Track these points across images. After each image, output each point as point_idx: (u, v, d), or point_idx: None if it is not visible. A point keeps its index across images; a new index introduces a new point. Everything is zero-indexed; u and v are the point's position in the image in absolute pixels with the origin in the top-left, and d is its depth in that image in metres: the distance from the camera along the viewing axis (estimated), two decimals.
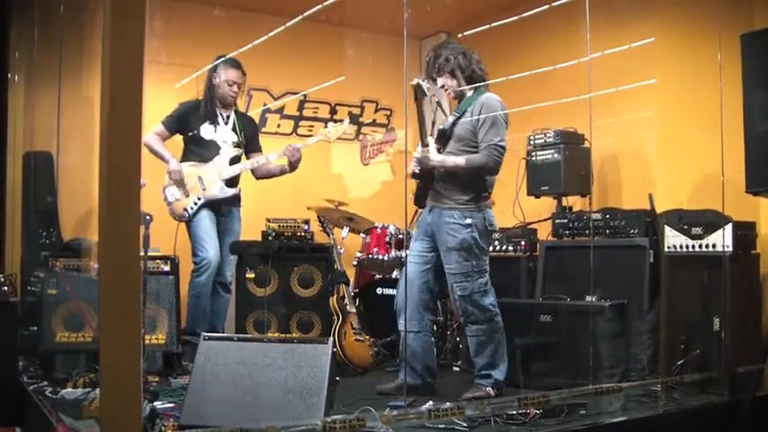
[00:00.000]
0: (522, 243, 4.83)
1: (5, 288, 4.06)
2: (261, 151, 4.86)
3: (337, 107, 6.55)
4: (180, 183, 4.58)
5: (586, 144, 4.85)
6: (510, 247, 4.88)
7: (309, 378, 2.98)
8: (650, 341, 4.04)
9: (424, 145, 3.76)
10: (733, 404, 3.55)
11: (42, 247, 4.64)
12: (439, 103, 3.95)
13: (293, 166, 4.72)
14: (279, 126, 6.32)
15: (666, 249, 3.99)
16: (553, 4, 5.19)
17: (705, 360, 3.75)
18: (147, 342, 4.05)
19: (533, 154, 4.98)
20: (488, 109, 3.71)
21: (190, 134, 4.67)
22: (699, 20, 4.57)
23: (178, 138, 4.75)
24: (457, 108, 3.86)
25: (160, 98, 5.16)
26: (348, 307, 4.71)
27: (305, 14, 5.68)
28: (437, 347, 4.28)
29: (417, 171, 3.83)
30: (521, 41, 5.75)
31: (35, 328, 4.00)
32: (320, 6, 5.42)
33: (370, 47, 6.06)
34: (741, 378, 3.61)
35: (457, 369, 4.59)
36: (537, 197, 5.04)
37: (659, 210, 4.34)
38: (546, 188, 4.91)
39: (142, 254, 3.41)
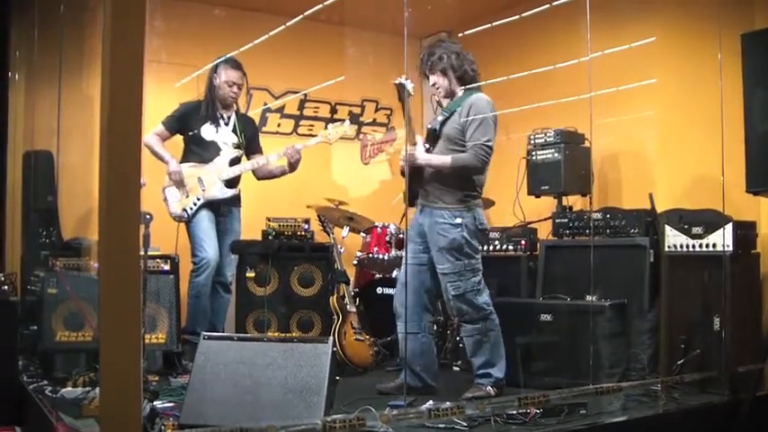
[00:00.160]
0: (523, 242, 4.83)
1: (5, 287, 4.06)
2: (261, 152, 4.86)
3: (338, 106, 6.55)
4: (180, 183, 4.58)
5: (587, 143, 4.85)
6: (510, 247, 4.88)
7: (309, 377, 2.97)
8: (650, 341, 4.04)
9: (412, 144, 3.78)
10: (733, 404, 3.55)
11: (42, 246, 4.65)
12: (440, 103, 3.96)
13: (293, 167, 4.73)
14: (279, 125, 6.32)
15: (667, 249, 3.99)
16: (553, 3, 5.19)
17: (705, 360, 3.75)
18: (147, 341, 4.04)
19: (534, 153, 4.98)
20: (477, 109, 3.72)
21: (190, 134, 4.67)
22: (699, 20, 4.57)
23: (178, 138, 4.75)
24: (446, 107, 3.87)
25: (160, 98, 5.16)
26: (348, 306, 4.71)
27: (305, 14, 5.68)
28: (437, 347, 4.28)
29: (406, 169, 3.86)
30: (521, 41, 5.75)
31: (35, 327, 4.00)
32: (321, 6, 5.42)
33: (370, 46, 6.06)
34: (741, 378, 3.61)
35: (457, 369, 4.58)
36: (537, 197, 5.04)
37: (659, 209, 4.34)
38: (546, 188, 4.91)
39: (142, 253, 3.41)
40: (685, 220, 3.97)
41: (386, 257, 5.12)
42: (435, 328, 4.43)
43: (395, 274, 5.13)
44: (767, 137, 3.66)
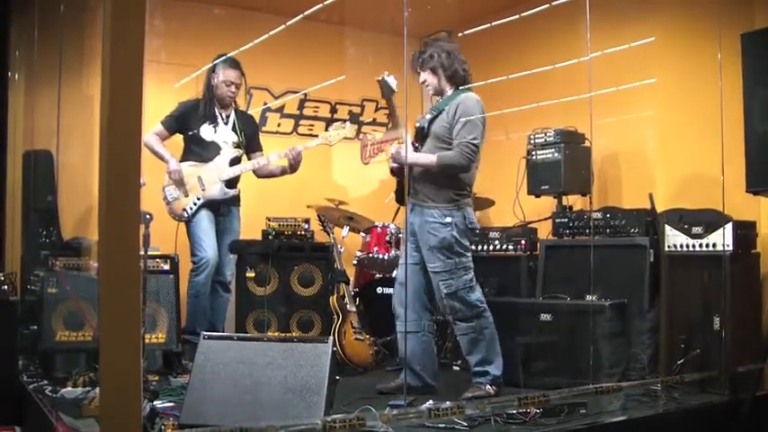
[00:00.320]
0: (523, 242, 4.84)
1: (5, 287, 4.06)
2: (261, 150, 4.86)
3: (338, 106, 6.55)
4: (179, 183, 4.58)
5: (587, 143, 4.85)
6: (510, 247, 4.89)
7: (309, 377, 2.97)
8: (650, 340, 4.04)
9: (390, 140, 3.79)
10: (733, 403, 3.55)
11: (42, 245, 4.64)
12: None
13: (293, 168, 4.72)
14: (279, 125, 6.32)
15: (667, 249, 3.99)
16: (553, 3, 5.19)
17: (705, 359, 3.75)
18: (146, 341, 4.04)
19: (534, 153, 4.98)
20: (465, 108, 3.73)
21: (190, 134, 4.67)
22: (699, 19, 4.57)
23: (178, 137, 4.75)
24: (435, 106, 3.88)
25: (160, 97, 5.15)
26: (348, 306, 4.71)
27: (305, 13, 5.68)
28: (437, 346, 4.28)
29: (394, 168, 3.89)
30: (521, 41, 5.75)
31: (35, 326, 4.00)
32: (321, 5, 5.41)
33: (370, 46, 6.06)
34: (741, 377, 3.61)
35: (457, 368, 4.58)
36: (537, 196, 5.04)
37: (659, 209, 4.34)
38: (546, 187, 4.91)
39: (142, 253, 3.41)
40: (685, 219, 3.97)
41: (386, 257, 5.12)
42: (435, 327, 4.43)
43: (395, 273, 5.12)
44: (767, 137, 3.66)
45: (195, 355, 3.18)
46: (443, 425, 2.99)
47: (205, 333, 3.25)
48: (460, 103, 3.74)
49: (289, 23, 5.78)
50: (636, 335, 4.05)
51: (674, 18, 4.76)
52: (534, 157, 4.97)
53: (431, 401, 3.00)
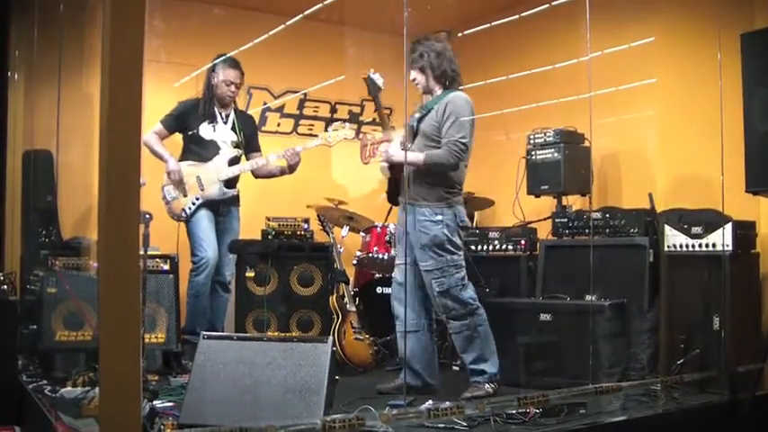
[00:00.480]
0: (523, 242, 4.83)
1: (5, 287, 4.06)
2: (260, 150, 4.86)
3: (337, 106, 6.55)
4: (178, 182, 4.57)
5: (586, 143, 4.85)
6: (510, 247, 4.88)
7: (309, 377, 2.97)
8: (650, 340, 4.04)
9: (389, 140, 3.80)
10: (733, 403, 3.55)
11: (42, 245, 4.64)
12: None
13: (292, 168, 4.72)
14: (279, 125, 6.32)
15: (666, 249, 3.99)
16: (553, 3, 5.19)
17: (705, 359, 3.75)
18: (146, 341, 4.04)
19: (533, 153, 4.98)
20: (454, 107, 3.74)
21: (189, 133, 4.67)
22: (699, 19, 4.57)
23: (178, 137, 4.75)
24: (424, 105, 3.89)
25: (160, 97, 5.15)
26: (348, 306, 4.71)
27: (305, 13, 5.68)
28: (437, 346, 4.27)
29: (384, 167, 3.91)
30: (521, 41, 5.75)
31: (35, 326, 4.00)
32: (320, 5, 5.42)
33: (370, 46, 6.05)
34: (741, 377, 3.61)
35: (457, 368, 4.58)
36: (537, 196, 5.04)
37: (659, 209, 4.34)
38: (546, 187, 4.91)
39: (142, 252, 3.41)
40: (685, 219, 3.97)
41: (385, 257, 5.12)
42: (435, 327, 4.43)
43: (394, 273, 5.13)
44: (766, 137, 3.66)
45: (195, 354, 3.18)
46: (443, 425, 2.99)
47: (205, 333, 3.25)
48: (449, 102, 3.75)
49: (288, 23, 5.78)
50: (635, 335, 4.05)
51: (674, 18, 4.76)
52: (534, 157, 4.97)
53: (430, 401, 2.99)
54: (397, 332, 3.97)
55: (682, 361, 3.78)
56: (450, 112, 3.72)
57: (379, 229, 5.23)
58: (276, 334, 4.57)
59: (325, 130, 4.84)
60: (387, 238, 5.18)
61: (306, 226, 4.98)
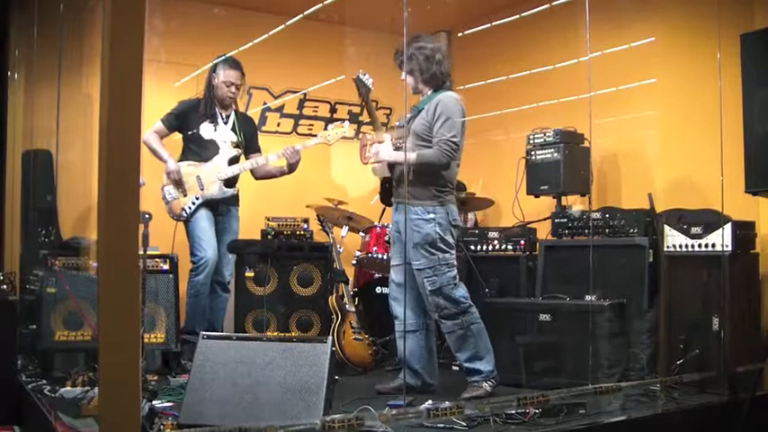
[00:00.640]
0: (522, 242, 4.83)
1: (4, 286, 4.06)
2: (260, 151, 4.86)
3: (337, 106, 6.55)
4: (178, 182, 4.57)
5: (586, 143, 4.85)
6: (510, 247, 4.88)
7: (308, 377, 2.97)
8: (649, 341, 4.04)
9: (380, 141, 3.81)
10: (732, 404, 3.55)
11: (41, 245, 4.64)
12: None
13: (292, 167, 4.72)
14: (279, 125, 6.32)
15: (666, 249, 3.99)
16: (553, 3, 5.20)
17: (704, 360, 3.75)
18: (146, 341, 4.05)
19: (533, 153, 4.98)
20: (444, 106, 3.74)
21: (189, 133, 4.67)
22: (699, 19, 4.57)
23: (177, 137, 4.74)
24: (415, 105, 3.89)
25: (159, 97, 5.15)
26: (347, 306, 4.71)
27: (305, 13, 5.68)
28: (436, 346, 4.27)
29: (377, 168, 3.92)
30: (521, 41, 5.75)
31: (34, 326, 4.00)
32: (320, 5, 5.42)
33: (370, 46, 6.04)
34: (740, 377, 3.61)
35: (456, 368, 4.57)
36: (536, 196, 5.04)
37: (659, 209, 4.34)
38: (545, 187, 4.91)
39: (141, 252, 3.41)
40: (684, 219, 3.97)
41: (385, 257, 5.11)
42: (435, 327, 4.43)
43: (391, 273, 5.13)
44: (766, 137, 3.66)
45: (194, 354, 3.18)
46: (442, 425, 2.99)
47: (204, 333, 3.25)
48: (440, 102, 3.76)
49: (288, 23, 5.78)
50: (635, 335, 4.05)
51: (674, 18, 4.76)
52: (533, 158, 4.97)
53: (430, 402, 2.99)
54: (396, 332, 3.97)
55: (681, 361, 3.78)
56: (441, 112, 3.72)
57: (378, 229, 5.23)
58: (275, 334, 4.57)
59: (325, 129, 4.85)
60: (386, 238, 5.18)
61: (305, 226, 4.98)
